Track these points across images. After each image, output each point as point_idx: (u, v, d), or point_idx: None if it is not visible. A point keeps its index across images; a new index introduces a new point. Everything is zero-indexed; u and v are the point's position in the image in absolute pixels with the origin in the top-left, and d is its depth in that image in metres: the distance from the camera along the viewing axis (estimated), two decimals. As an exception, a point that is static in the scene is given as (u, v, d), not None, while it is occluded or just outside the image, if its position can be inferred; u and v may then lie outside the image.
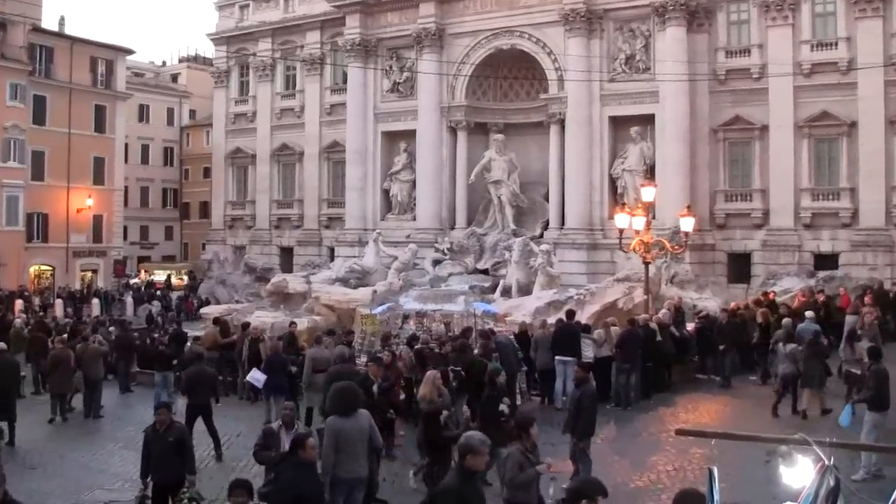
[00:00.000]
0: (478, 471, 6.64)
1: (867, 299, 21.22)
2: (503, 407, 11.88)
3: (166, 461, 10.02)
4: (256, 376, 16.24)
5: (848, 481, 5.88)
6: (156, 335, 24.50)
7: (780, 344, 16.42)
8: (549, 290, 27.85)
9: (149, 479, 10.18)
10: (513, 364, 16.66)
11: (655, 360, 18.50)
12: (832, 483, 4.94)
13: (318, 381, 14.90)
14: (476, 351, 16.48)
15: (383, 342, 18.34)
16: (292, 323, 21.87)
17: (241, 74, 46.71)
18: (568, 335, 17.88)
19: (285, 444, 9.31)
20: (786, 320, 17.85)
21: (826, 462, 4.98)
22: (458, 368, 15.21)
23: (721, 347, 19.36)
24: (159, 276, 53.21)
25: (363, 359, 18.20)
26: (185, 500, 9.02)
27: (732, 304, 23.06)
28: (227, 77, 47.04)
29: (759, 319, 20.40)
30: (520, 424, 8.47)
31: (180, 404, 14.77)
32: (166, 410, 10.45)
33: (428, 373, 12.75)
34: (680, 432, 6.85)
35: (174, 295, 45.06)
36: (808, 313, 19.30)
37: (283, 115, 44.61)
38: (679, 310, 21.62)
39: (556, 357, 17.64)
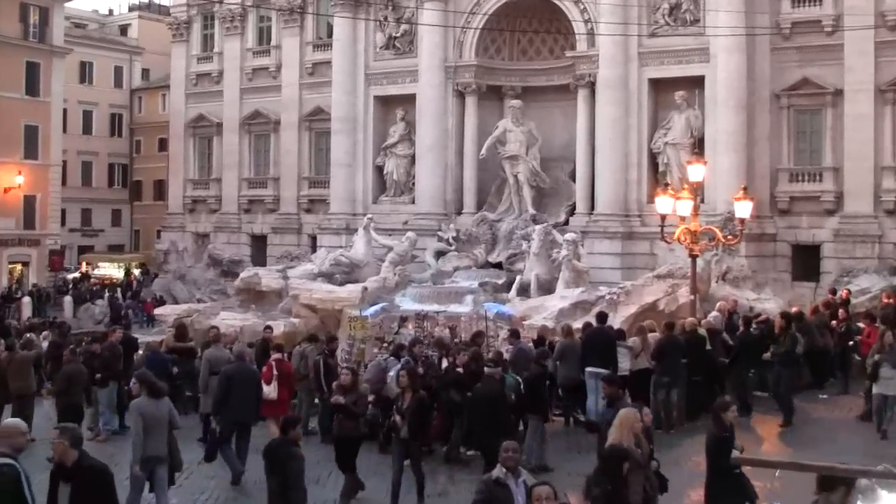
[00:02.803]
0: None
1: None
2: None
3: None
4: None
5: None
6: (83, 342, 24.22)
7: (886, 365, 16.38)
8: (575, 287, 27.82)
9: None
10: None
11: (704, 373, 18.45)
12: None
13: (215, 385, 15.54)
14: (488, 354, 16.52)
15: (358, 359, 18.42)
16: (267, 327, 21.72)
17: (205, 26, 46.62)
18: (601, 342, 17.88)
19: (518, 499, 8.62)
20: (888, 334, 17.59)
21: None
22: (457, 397, 15.40)
23: (768, 356, 19.01)
24: (110, 270, 53.37)
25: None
26: None
27: (794, 308, 22.99)
28: (187, 29, 46.93)
29: (836, 322, 20.37)
30: (715, 409, 10.50)
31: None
32: (67, 436, 8.58)
33: (623, 413, 10.66)
34: (735, 461, 6.81)
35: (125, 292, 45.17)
36: None
37: (256, 75, 44.49)
38: (734, 313, 21.57)
39: (588, 369, 17.63)
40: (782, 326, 18.54)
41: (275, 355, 17.67)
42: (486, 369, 15.15)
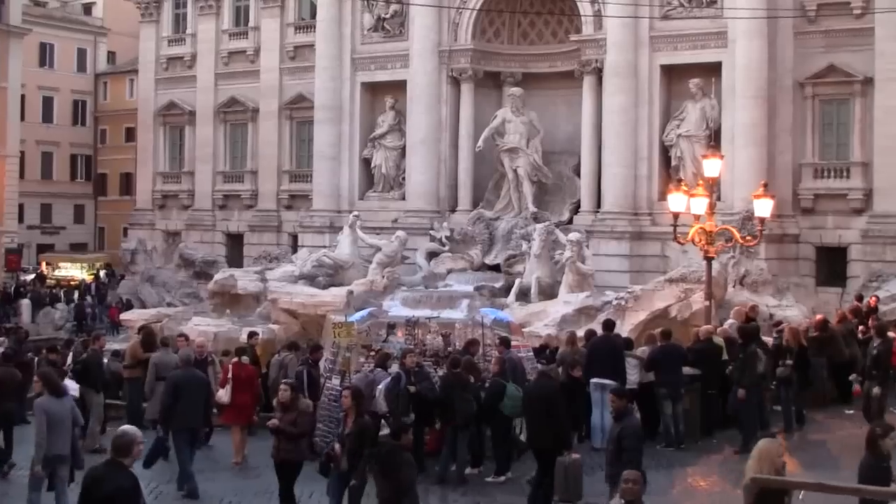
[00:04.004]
0: None
1: None
2: None
3: None
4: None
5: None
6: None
7: None
8: (579, 292, 27.85)
9: None
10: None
11: (720, 386, 18.45)
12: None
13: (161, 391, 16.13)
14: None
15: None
16: (253, 334, 21.94)
17: (177, 5, 46.56)
18: (607, 352, 17.86)
19: None
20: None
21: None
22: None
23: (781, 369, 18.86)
24: (71, 271, 53.26)
25: (334, 381, 18.22)
26: None
27: (818, 316, 23.01)
28: (157, 9, 46.88)
29: (862, 330, 20.38)
30: (873, 435, 10.39)
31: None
32: None
33: (764, 444, 9.66)
34: (756, 482, 6.81)
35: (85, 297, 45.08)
36: None
37: (232, 59, 44.50)
38: (752, 320, 21.58)
39: (593, 380, 17.63)
40: (740, 343, 17.75)
41: (233, 359, 17.87)
42: (539, 366, 15.23)
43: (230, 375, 17.49)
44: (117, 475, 8.82)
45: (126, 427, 9.80)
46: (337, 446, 12.81)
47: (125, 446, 9.01)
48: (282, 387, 14.20)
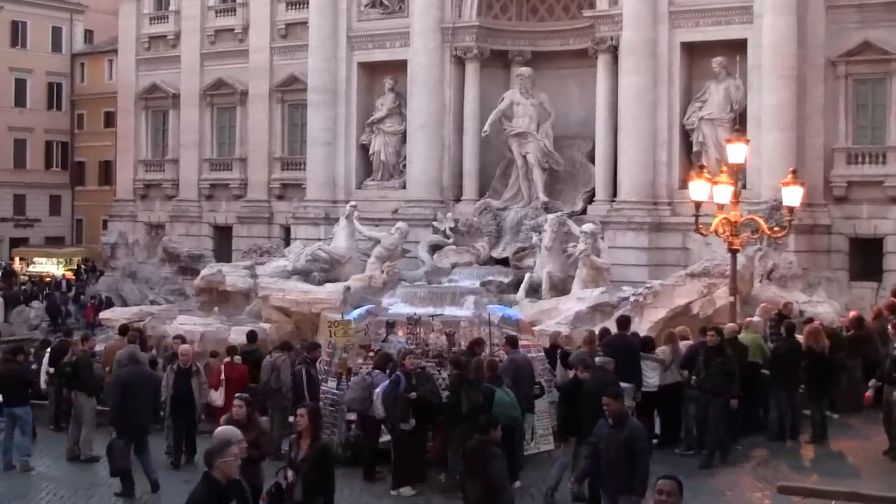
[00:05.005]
0: None
1: None
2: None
3: None
4: None
5: None
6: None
7: None
8: (594, 287, 27.83)
9: None
10: (526, 392, 16.71)
11: (747, 388, 18.45)
12: None
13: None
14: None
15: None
16: (253, 334, 22.27)
17: (159, -20, 46.69)
18: (624, 352, 17.80)
19: None
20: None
21: None
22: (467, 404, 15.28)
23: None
24: (48, 267, 53.30)
25: (330, 384, 18.23)
26: None
27: (852, 313, 22.97)
28: (138, -17, 46.97)
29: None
30: None
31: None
32: None
33: None
34: (784, 490, 6.81)
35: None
36: None
37: (220, 38, 44.51)
38: (783, 317, 21.59)
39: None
40: (714, 346, 17.38)
41: (225, 359, 17.91)
42: (597, 359, 15.29)
43: (223, 377, 17.52)
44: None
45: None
46: (290, 473, 11.48)
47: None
48: (236, 402, 13.05)
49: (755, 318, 21.19)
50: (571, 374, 17.14)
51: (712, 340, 17.29)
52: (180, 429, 17.78)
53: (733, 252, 21.47)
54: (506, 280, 31.43)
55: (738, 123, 31.68)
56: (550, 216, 31.64)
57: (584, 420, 14.39)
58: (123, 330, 22.59)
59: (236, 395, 14.32)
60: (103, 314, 33.87)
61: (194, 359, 18.73)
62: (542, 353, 19.53)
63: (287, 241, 39.53)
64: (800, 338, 19.75)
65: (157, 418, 17.14)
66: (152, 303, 36.10)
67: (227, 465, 8.67)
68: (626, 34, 33.75)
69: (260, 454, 12.39)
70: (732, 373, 17.07)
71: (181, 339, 21.80)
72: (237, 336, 24.62)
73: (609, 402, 12.09)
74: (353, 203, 34.83)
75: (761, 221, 22.74)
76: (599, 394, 13.53)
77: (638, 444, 11.73)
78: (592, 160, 35.41)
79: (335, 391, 18.07)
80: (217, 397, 17.58)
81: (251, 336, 22.53)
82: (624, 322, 19.34)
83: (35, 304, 41.97)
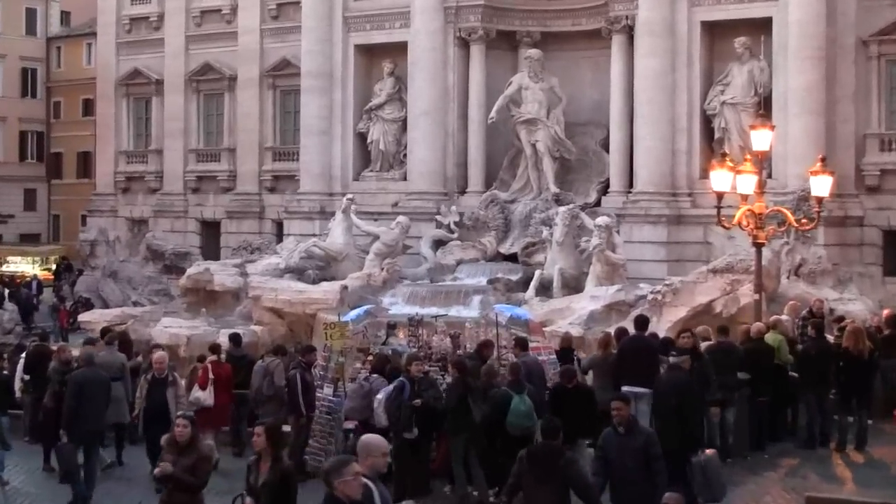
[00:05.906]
0: None
1: None
2: None
3: None
4: None
5: None
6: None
7: None
8: (609, 285, 27.82)
9: None
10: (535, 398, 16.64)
11: (774, 392, 18.44)
12: None
13: None
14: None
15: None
16: (236, 336, 22.03)
17: (141, -42, 46.67)
18: (643, 353, 17.82)
19: None
20: None
21: None
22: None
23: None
24: (22, 266, 53.32)
25: (326, 391, 18.20)
26: None
27: (887, 310, 22.92)
28: (119, -38, 46.98)
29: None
30: None
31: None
32: None
33: None
34: (813, 501, 6.79)
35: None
36: None
37: (206, 19, 44.54)
38: (814, 315, 21.57)
39: (624, 388, 17.56)
40: (688, 349, 16.96)
41: (211, 357, 17.99)
42: (671, 359, 15.46)
43: (211, 375, 17.61)
44: None
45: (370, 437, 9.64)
46: (248, 500, 11.14)
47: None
48: (179, 421, 12.42)
49: (783, 317, 21.19)
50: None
51: (685, 343, 17.12)
52: (156, 444, 17.61)
53: (758, 246, 21.44)
54: (514, 278, 31.39)
55: (763, 108, 31.47)
56: (562, 209, 31.59)
57: (656, 423, 14.53)
58: (105, 334, 22.56)
59: (179, 413, 13.96)
60: (83, 316, 33.96)
61: (182, 365, 18.85)
62: (554, 356, 19.50)
63: (279, 237, 39.62)
64: (829, 338, 19.78)
65: (131, 433, 17.44)
66: (135, 304, 36.24)
67: (347, 485, 8.41)
68: (642, 13, 33.72)
69: (199, 483, 11.95)
70: (708, 378, 16.95)
71: (159, 347, 21.83)
72: (226, 340, 24.54)
73: (620, 408, 12.09)
74: (350, 196, 34.79)
75: (788, 213, 22.72)
76: (672, 395, 13.73)
77: (654, 449, 11.79)
78: (606, 148, 35.39)
79: (331, 398, 18.03)
80: (207, 397, 17.62)
81: (235, 339, 21.60)
82: (642, 322, 19.29)
83: (9, 305, 41.96)
